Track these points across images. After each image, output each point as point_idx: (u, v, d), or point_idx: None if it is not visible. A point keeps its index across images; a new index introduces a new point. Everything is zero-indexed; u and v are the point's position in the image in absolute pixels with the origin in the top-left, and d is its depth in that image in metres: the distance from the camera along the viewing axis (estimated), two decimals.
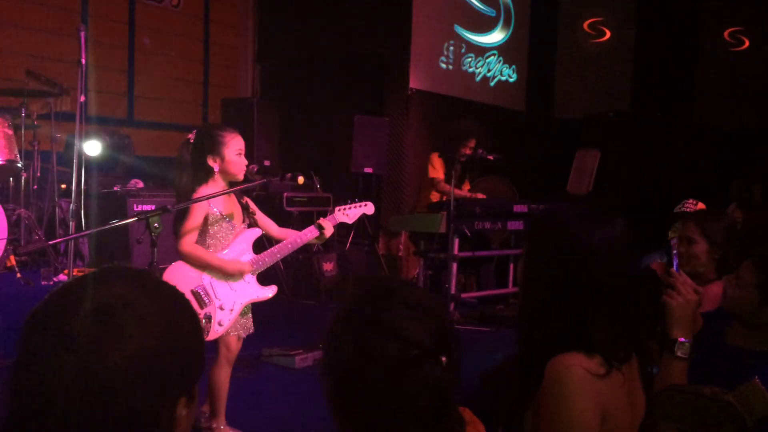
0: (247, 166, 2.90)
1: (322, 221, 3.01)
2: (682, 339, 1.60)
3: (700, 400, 1.43)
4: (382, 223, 6.79)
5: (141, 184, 5.05)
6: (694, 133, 7.33)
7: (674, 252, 1.87)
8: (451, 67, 7.27)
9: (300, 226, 5.82)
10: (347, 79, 7.04)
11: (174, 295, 0.87)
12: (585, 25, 8.19)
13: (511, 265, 5.30)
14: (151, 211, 2.33)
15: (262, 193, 5.61)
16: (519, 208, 4.97)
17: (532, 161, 7.52)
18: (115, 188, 5.03)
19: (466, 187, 5.56)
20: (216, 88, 7.66)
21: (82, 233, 2.62)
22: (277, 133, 6.70)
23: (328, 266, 6.00)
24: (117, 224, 2.43)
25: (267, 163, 6.13)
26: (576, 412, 1.30)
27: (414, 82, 6.78)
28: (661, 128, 7.19)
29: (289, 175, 3.03)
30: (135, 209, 4.59)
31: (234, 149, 2.91)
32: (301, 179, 3.06)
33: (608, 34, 8.15)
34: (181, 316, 0.86)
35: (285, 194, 5.92)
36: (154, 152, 6.55)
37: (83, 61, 3.92)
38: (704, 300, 1.71)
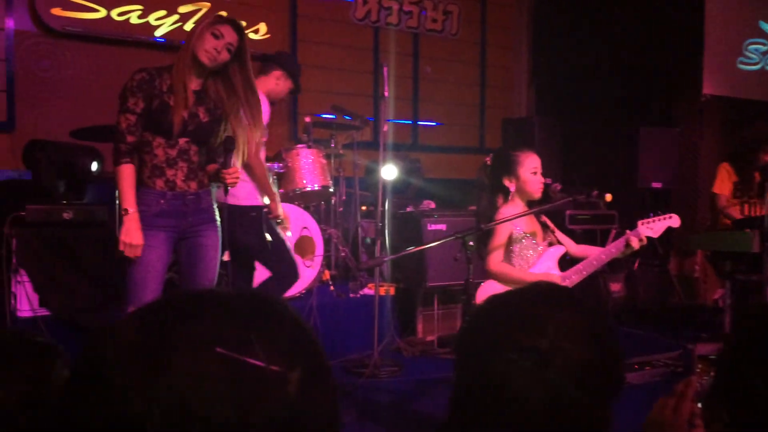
0: (550, 185, 2.92)
1: (629, 235, 2.91)
2: None
3: None
4: (674, 241, 6.31)
5: (433, 205, 5.34)
6: None
7: None
8: (753, 67, 6.54)
9: (583, 244, 5.69)
10: (629, 91, 6.71)
11: (599, 315, 0.91)
12: None
13: None
14: (467, 230, 2.45)
15: (544, 211, 5.58)
16: None
17: None
18: (408, 209, 5.39)
19: None
20: (492, 110, 7.83)
21: (411, 250, 2.86)
22: (557, 151, 6.63)
23: (615, 286, 5.75)
24: (438, 243, 2.60)
25: (548, 181, 6.08)
26: None
27: (708, 88, 6.23)
28: None
29: (596, 192, 2.97)
30: (428, 228, 4.86)
31: (529, 168, 2.95)
32: (608, 197, 2.98)
33: None
34: (605, 328, 0.90)
35: (567, 212, 5.81)
36: (436, 174, 6.91)
37: (386, 94, 4.28)
38: None
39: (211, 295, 0.68)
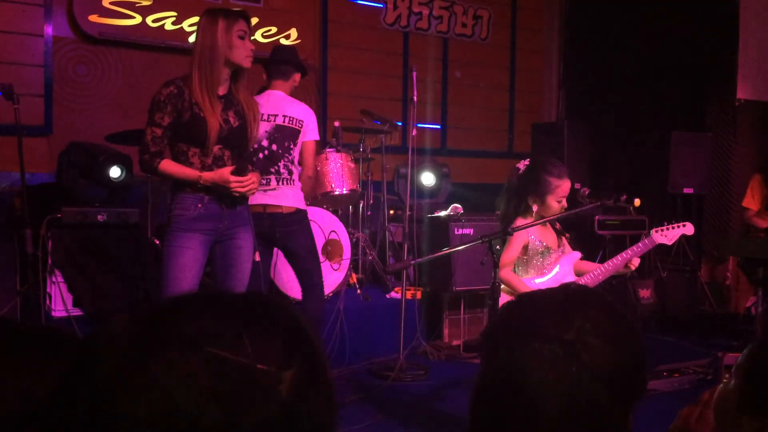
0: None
1: (636, 253, 2.92)
2: None
3: None
4: (705, 247, 6.22)
5: (460, 209, 5.34)
6: None
7: None
8: None
9: (612, 249, 5.64)
10: (661, 95, 6.64)
11: (626, 319, 0.93)
12: None
13: None
14: (494, 234, 2.46)
15: (571, 216, 5.55)
16: None
17: None
18: (436, 213, 5.40)
19: None
20: (521, 114, 7.81)
21: (437, 254, 2.88)
22: (587, 155, 6.59)
23: (644, 293, 5.68)
24: (464, 247, 2.61)
25: (577, 185, 6.05)
26: None
27: (742, 92, 6.13)
28: None
29: (624, 197, 2.96)
30: (456, 233, 4.87)
31: (557, 196, 2.94)
32: (637, 202, 2.98)
33: None
34: (633, 332, 0.91)
35: (597, 217, 5.76)
36: (464, 179, 6.91)
37: (415, 98, 4.31)
38: None
39: (207, 295, 0.67)
